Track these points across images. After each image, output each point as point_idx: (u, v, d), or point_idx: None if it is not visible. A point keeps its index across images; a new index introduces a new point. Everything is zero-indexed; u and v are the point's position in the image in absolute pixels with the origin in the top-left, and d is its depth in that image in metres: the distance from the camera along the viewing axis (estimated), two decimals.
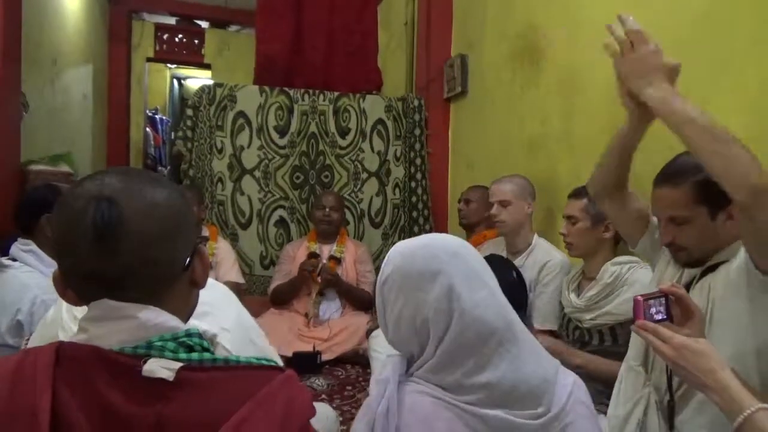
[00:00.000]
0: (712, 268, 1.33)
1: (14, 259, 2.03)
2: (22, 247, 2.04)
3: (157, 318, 0.72)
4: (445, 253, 1.02)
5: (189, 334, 0.74)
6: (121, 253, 0.69)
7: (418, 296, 0.99)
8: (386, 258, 1.07)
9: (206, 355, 0.73)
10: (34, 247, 2.02)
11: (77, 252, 0.70)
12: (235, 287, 2.98)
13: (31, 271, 1.98)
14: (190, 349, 0.73)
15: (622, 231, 1.70)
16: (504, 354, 0.97)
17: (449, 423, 0.93)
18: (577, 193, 2.03)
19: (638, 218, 1.57)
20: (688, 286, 1.35)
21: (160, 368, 0.68)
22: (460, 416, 0.94)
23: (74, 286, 0.74)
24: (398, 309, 1.02)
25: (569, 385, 1.01)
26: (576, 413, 0.99)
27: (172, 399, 0.68)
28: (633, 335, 1.50)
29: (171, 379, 0.68)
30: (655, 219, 1.55)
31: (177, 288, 0.77)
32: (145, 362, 0.68)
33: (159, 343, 0.71)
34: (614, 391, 1.47)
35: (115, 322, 0.71)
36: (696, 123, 1.10)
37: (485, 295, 1.00)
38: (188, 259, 0.77)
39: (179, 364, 0.69)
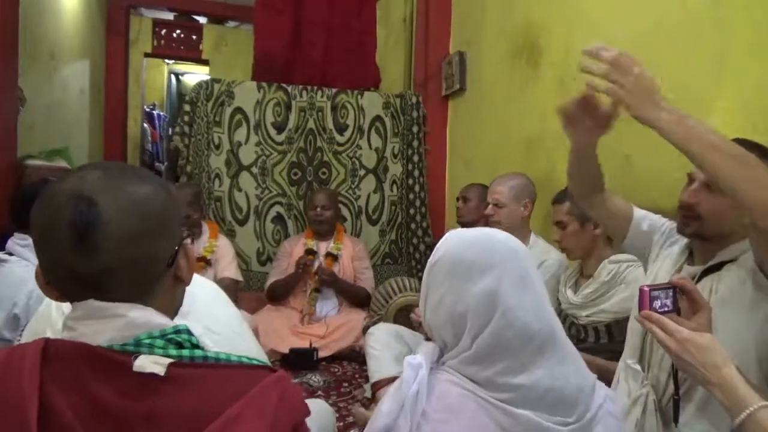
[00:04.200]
0: (715, 268, 1.30)
1: (11, 254, 2.03)
2: (18, 241, 2.04)
3: (144, 316, 0.71)
4: (502, 249, 1.00)
5: (177, 330, 0.73)
6: (100, 253, 0.68)
7: (463, 285, 0.98)
8: (441, 240, 1.05)
9: (197, 352, 0.73)
10: (30, 241, 2.01)
11: (56, 251, 0.68)
12: (233, 284, 2.98)
13: (28, 265, 1.98)
14: (180, 345, 0.72)
15: (608, 230, 1.71)
16: (542, 360, 0.96)
17: (474, 414, 0.93)
18: (560, 199, 2.04)
19: (620, 216, 1.58)
20: None
21: (151, 363, 0.67)
22: (486, 409, 0.94)
23: (55, 284, 0.72)
24: (441, 294, 1.00)
25: (601, 398, 1.01)
26: (604, 424, 0.98)
27: (162, 394, 0.67)
28: (629, 334, 1.50)
29: (162, 374, 0.67)
30: (638, 213, 1.57)
31: (162, 285, 0.75)
32: (135, 358, 0.68)
33: (147, 341, 0.70)
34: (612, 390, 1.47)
35: (102, 321, 0.70)
36: (720, 150, 1.05)
37: (532, 298, 0.98)
38: (172, 256, 0.76)
39: (170, 360, 0.69)
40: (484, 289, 0.96)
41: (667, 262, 1.46)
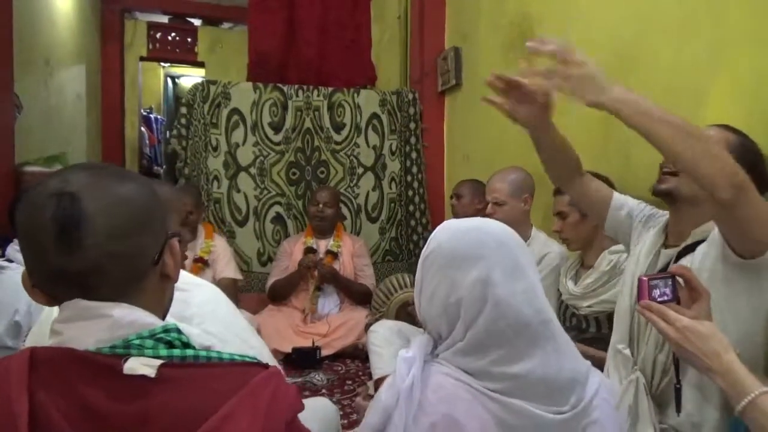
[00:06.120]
0: (689, 249, 1.32)
1: (11, 261, 2.03)
2: (18, 248, 2.04)
3: (131, 315, 0.71)
4: (493, 240, 1.01)
5: (166, 329, 0.73)
6: (84, 250, 0.67)
7: (455, 276, 0.98)
8: (433, 233, 1.06)
9: (188, 351, 0.72)
10: None
11: (40, 250, 0.68)
12: (232, 284, 2.98)
13: None
14: (170, 345, 0.72)
15: (589, 213, 1.72)
16: (537, 349, 0.96)
17: (469, 404, 0.94)
18: (561, 190, 2.03)
19: (599, 200, 1.59)
20: (665, 268, 1.36)
21: (142, 365, 0.67)
22: (480, 399, 0.94)
23: (42, 285, 0.72)
24: (434, 285, 1.01)
25: (596, 385, 1.01)
26: (600, 411, 0.99)
27: (155, 395, 0.67)
28: (617, 318, 1.51)
29: (153, 375, 0.67)
30: (617, 198, 1.58)
31: (148, 283, 0.75)
32: (125, 361, 0.67)
33: (137, 341, 0.69)
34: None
35: (88, 322, 0.70)
36: (670, 122, 1.08)
37: (524, 288, 0.98)
38: (158, 253, 0.75)
39: (160, 361, 0.68)
40: (475, 279, 0.97)
41: (646, 246, 1.47)
